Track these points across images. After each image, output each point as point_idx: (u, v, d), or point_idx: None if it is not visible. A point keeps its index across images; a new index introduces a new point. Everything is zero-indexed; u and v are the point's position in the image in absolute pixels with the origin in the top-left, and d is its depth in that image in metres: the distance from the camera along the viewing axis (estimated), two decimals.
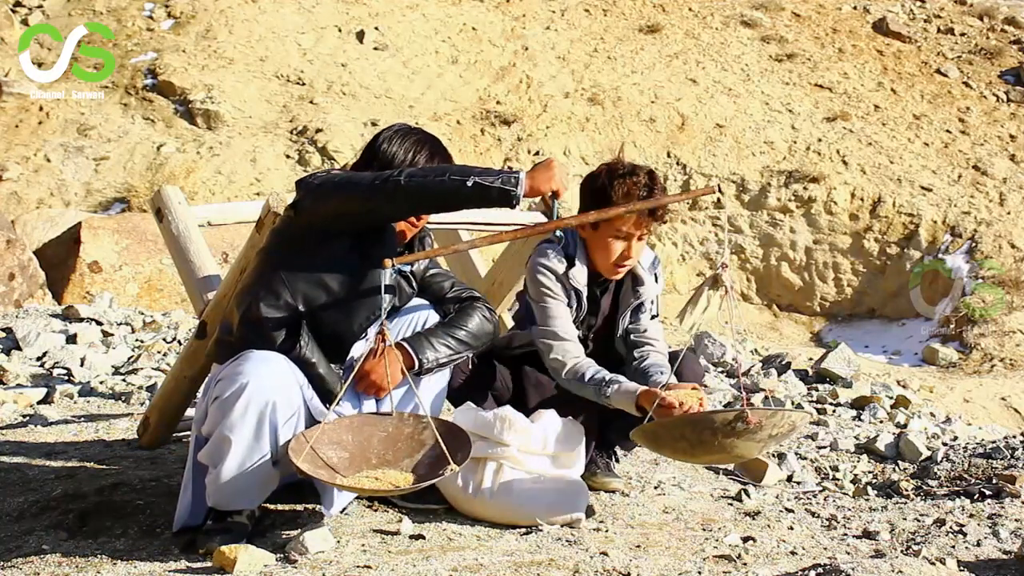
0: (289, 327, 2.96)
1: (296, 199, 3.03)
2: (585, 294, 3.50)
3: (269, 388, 2.79)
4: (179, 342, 6.52)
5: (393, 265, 2.77)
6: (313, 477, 2.75)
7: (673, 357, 3.52)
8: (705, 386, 3.34)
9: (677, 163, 13.19)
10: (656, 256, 3.68)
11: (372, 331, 3.10)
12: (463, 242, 2.89)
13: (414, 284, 3.23)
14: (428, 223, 3.29)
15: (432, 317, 3.20)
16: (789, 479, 4.30)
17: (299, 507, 3.19)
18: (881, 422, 5.46)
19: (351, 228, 2.95)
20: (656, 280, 3.62)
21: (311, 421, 2.92)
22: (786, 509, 3.68)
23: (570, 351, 3.41)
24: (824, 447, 4.86)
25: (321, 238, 2.98)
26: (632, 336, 3.56)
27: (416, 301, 3.23)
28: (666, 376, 3.34)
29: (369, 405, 3.06)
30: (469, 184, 2.76)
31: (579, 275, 3.48)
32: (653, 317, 3.61)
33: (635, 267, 3.56)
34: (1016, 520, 3.53)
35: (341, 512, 3.16)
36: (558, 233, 3.39)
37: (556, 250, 3.51)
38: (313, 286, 2.98)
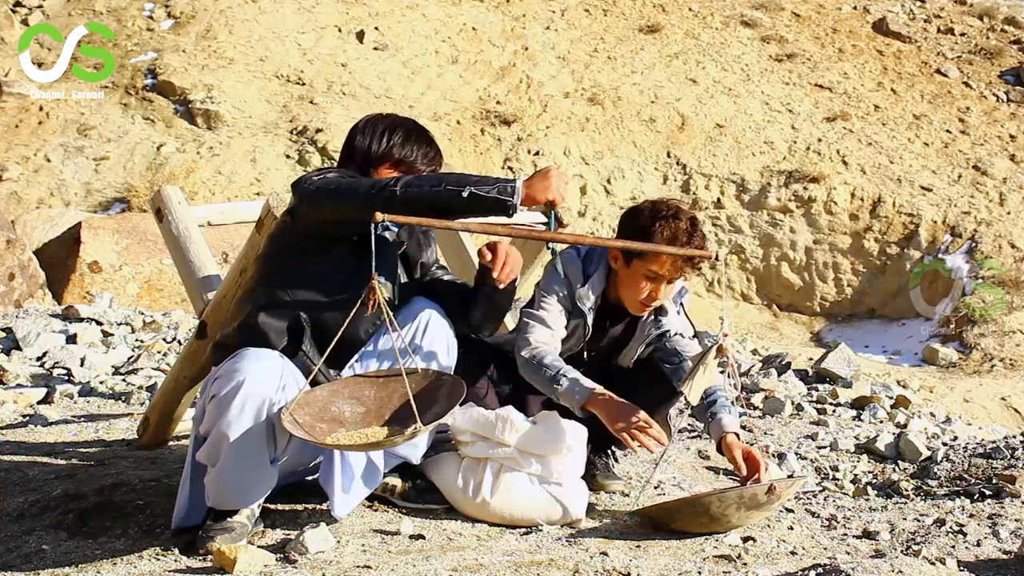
0: (291, 334, 2.95)
1: (292, 206, 3.00)
2: (590, 319, 3.45)
3: (266, 385, 2.78)
4: (179, 342, 6.52)
5: (383, 220, 2.71)
6: (290, 432, 2.71)
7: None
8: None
9: (677, 163, 13.19)
10: (684, 286, 3.62)
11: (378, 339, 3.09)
12: (456, 222, 2.87)
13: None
14: None
15: (435, 316, 3.18)
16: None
17: (299, 507, 3.19)
18: (881, 422, 5.45)
19: (348, 234, 2.94)
20: (680, 312, 3.57)
21: None
22: (786, 509, 3.68)
23: (543, 338, 3.39)
24: (824, 447, 4.86)
25: (319, 244, 2.97)
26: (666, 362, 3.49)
27: (419, 300, 3.22)
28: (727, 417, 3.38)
29: None
30: (464, 194, 2.74)
31: (586, 298, 3.45)
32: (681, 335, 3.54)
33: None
34: (1016, 520, 3.52)
35: None
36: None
37: (578, 264, 3.47)
38: (314, 292, 2.96)
